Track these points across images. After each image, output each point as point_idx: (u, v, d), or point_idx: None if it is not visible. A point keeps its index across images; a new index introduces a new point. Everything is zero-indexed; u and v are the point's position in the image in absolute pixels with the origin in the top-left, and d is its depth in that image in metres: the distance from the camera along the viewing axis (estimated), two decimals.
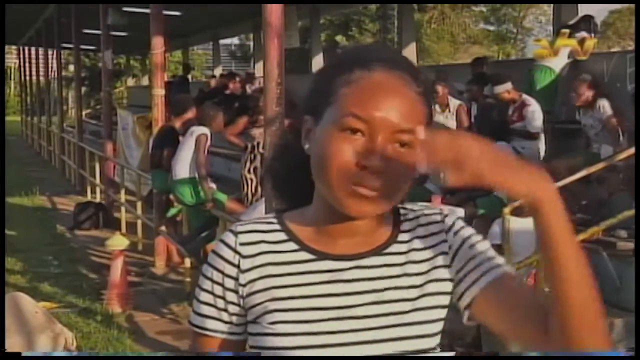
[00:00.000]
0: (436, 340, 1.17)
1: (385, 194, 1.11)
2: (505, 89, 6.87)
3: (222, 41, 25.75)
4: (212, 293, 1.21)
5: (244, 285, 1.19)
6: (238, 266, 1.19)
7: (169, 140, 7.35)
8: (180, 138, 7.24)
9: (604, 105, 6.27)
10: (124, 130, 11.20)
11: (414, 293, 1.16)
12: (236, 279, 1.19)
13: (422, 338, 1.15)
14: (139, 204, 9.00)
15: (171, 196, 7.40)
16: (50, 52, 19.22)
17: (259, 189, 7.60)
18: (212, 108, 7.35)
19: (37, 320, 4.66)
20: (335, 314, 1.14)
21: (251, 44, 28.53)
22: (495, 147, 1.03)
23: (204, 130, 6.78)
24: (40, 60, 21.78)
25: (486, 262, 1.16)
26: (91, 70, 35.23)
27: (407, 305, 1.15)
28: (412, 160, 1.10)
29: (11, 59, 39.23)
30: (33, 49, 22.33)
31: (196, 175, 6.72)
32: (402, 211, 1.24)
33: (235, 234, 1.22)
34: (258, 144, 7.63)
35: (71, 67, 27.81)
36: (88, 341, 5.43)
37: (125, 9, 13.27)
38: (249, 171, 7.74)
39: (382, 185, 1.10)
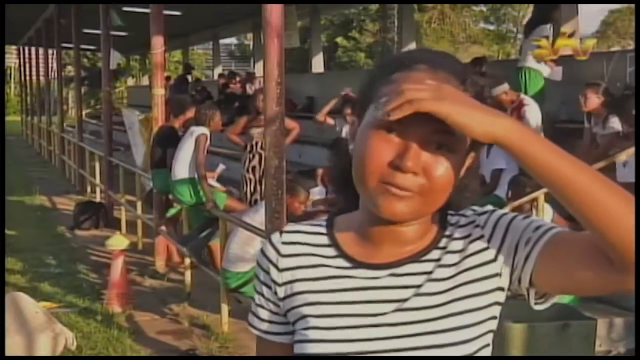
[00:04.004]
0: (476, 344, 1.11)
1: (419, 195, 1.06)
2: (502, 90, 6.85)
3: (222, 41, 25.77)
4: (255, 290, 1.24)
5: (280, 285, 1.19)
6: (276, 265, 1.20)
7: (169, 140, 7.34)
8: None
9: (615, 122, 6.33)
10: (130, 130, 11.15)
11: (442, 299, 1.11)
12: (274, 277, 1.20)
13: (456, 345, 1.09)
14: (139, 204, 9.00)
15: (171, 196, 7.41)
16: (50, 52, 19.21)
17: (258, 187, 7.62)
18: (209, 107, 7.34)
19: (37, 320, 4.66)
20: (364, 321, 1.12)
21: (251, 43, 28.54)
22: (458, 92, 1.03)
23: (204, 130, 6.78)
24: (40, 60, 21.77)
25: (532, 233, 1.09)
26: (91, 70, 35.22)
27: (434, 312, 1.11)
28: (451, 164, 1.07)
29: (11, 59, 39.26)
30: (33, 49, 22.32)
31: (196, 176, 6.72)
32: (450, 218, 1.18)
33: (281, 232, 1.23)
34: (256, 143, 7.65)
35: (69, 67, 27.81)
36: (88, 341, 5.43)
37: (125, 9, 13.29)
38: (247, 170, 7.77)
39: (415, 187, 1.06)
